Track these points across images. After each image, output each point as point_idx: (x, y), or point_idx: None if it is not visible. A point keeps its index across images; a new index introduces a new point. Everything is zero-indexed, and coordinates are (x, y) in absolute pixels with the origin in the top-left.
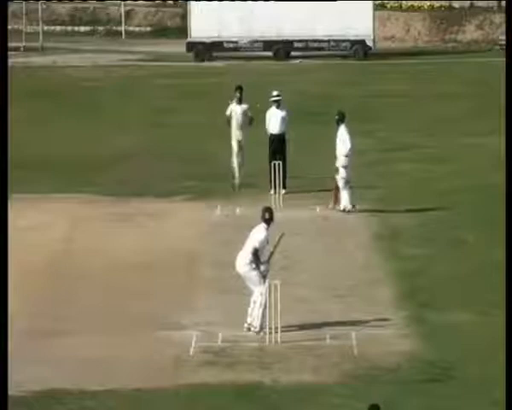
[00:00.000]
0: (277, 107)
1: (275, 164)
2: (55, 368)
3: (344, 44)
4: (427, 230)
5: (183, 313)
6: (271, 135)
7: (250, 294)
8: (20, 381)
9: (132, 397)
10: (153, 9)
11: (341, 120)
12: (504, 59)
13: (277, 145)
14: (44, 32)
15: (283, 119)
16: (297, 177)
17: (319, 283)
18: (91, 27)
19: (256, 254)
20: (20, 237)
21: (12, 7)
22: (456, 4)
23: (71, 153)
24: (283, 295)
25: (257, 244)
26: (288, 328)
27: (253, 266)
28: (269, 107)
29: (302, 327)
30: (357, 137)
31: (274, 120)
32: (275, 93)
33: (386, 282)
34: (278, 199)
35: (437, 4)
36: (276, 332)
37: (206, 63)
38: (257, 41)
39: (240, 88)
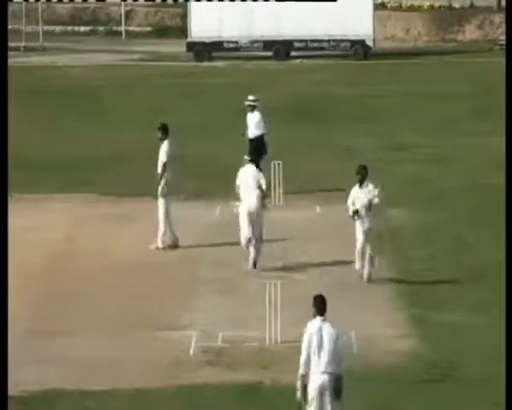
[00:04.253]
0: (251, 111)
1: (274, 164)
2: (55, 368)
3: (344, 44)
4: (427, 230)
5: (183, 313)
6: (249, 139)
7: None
8: (20, 381)
9: (132, 397)
10: (153, 9)
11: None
12: (504, 59)
13: (252, 149)
14: (44, 32)
15: (257, 123)
16: (297, 177)
17: (319, 282)
18: (91, 27)
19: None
20: (21, 237)
21: (12, 7)
22: (456, 4)
23: (71, 153)
24: (283, 295)
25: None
26: (288, 328)
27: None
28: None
29: (302, 327)
30: (356, 137)
31: (249, 125)
32: (250, 97)
33: (386, 282)
34: (278, 199)
35: (437, 4)
36: (276, 332)
37: (206, 63)
38: (257, 41)
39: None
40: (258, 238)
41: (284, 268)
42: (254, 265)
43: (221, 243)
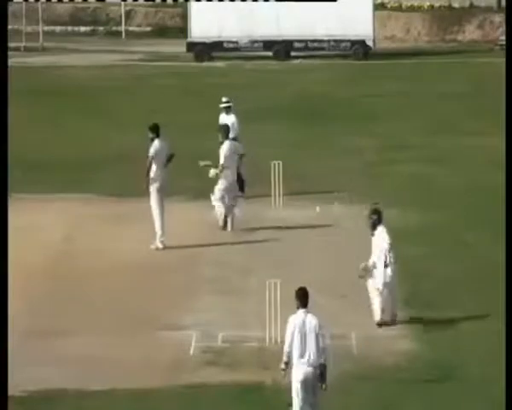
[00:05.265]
0: (226, 113)
1: (274, 164)
2: (55, 368)
3: (344, 44)
4: (427, 230)
5: (183, 313)
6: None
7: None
8: (20, 381)
9: (132, 397)
10: (153, 9)
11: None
12: (504, 59)
13: None
14: (44, 32)
15: (231, 125)
16: (297, 177)
17: (319, 282)
18: (91, 27)
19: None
20: (20, 237)
21: (12, 7)
22: (456, 4)
23: (71, 153)
24: (283, 295)
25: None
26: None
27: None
28: (220, 112)
29: None
30: (356, 137)
31: None
32: (224, 99)
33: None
34: (278, 199)
35: (437, 4)
36: (276, 332)
37: (206, 63)
38: (257, 41)
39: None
40: (233, 203)
41: (284, 268)
42: (224, 224)
43: (221, 243)
